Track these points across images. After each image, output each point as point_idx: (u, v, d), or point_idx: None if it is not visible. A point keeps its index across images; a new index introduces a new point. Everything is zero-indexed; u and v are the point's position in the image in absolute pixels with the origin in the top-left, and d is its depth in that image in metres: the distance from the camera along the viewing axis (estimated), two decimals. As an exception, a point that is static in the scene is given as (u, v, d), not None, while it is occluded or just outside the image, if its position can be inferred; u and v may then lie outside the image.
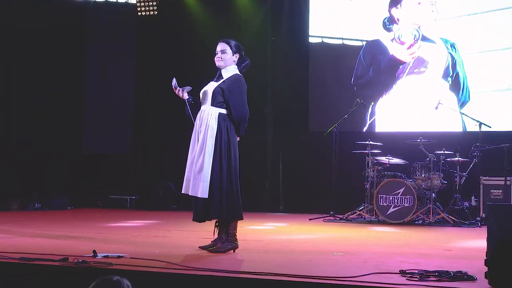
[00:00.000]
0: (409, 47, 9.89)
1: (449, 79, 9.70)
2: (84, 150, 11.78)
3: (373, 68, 10.22)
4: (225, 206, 4.99)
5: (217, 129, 5.05)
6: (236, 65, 5.27)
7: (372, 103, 10.10)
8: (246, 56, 5.34)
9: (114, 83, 11.78)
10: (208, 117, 5.08)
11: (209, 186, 4.96)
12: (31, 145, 10.93)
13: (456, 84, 9.67)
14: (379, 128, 10.13)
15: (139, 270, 4.00)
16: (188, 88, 5.24)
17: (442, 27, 9.83)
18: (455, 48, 9.70)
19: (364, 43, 10.35)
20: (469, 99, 9.60)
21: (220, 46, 5.25)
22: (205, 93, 5.19)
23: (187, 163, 5.13)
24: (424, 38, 9.86)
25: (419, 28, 9.86)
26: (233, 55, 5.24)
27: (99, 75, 11.88)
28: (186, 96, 5.23)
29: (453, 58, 9.71)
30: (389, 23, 10.09)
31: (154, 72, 11.39)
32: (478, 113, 9.02)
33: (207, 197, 4.95)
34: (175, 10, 11.44)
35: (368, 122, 10.12)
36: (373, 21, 10.25)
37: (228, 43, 5.25)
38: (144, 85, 11.62)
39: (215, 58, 5.25)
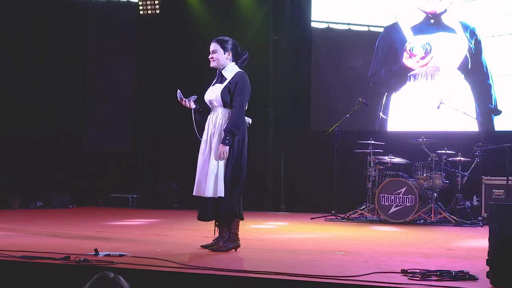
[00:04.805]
0: (420, 59, 9.89)
1: (471, 71, 9.66)
2: (85, 148, 11.78)
3: (385, 70, 10.19)
4: (236, 206, 5.00)
5: None
6: (233, 61, 5.19)
7: (385, 98, 10.09)
8: (243, 51, 5.23)
9: (115, 81, 11.78)
10: (223, 120, 5.03)
11: (225, 185, 4.95)
12: (33, 143, 10.93)
13: (476, 73, 9.65)
14: (394, 128, 10.09)
15: (141, 269, 4.00)
16: (194, 97, 5.18)
17: (461, 10, 9.78)
18: (475, 33, 9.66)
19: (371, 30, 10.35)
20: (492, 87, 9.59)
21: (212, 46, 5.16)
22: (212, 96, 5.10)
23: (198, 165, 5.08)
24: (444, 27, 9.84)
25: (429, 42, 9.85)
26: (224, 53, 5.12)
27: (100, 73, 11.87)
28: (193, 105, 5.18)
29: (472, 47, 9.68)
30: None
31: (155, 70, 11.38)
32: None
33: (223, 195, 4.93)
34: (177, 9, 11.44)
35: (380, 116, 10.08)
36: (379, 10, 10.30)
37: (219, 42, 5.15)
38: (145, 83, 11.62)
39: (209, 57, 5.20)
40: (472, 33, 9.71)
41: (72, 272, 4.02)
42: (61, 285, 3.99)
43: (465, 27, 9.75)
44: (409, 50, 9.97)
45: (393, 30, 10.22)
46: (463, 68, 9.69)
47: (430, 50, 9.81)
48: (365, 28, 10.48)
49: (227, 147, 4.94)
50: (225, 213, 5.00)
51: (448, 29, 9.83)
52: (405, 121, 10.06)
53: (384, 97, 10.14)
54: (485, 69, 9.62)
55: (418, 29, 9.99)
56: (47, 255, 4.38)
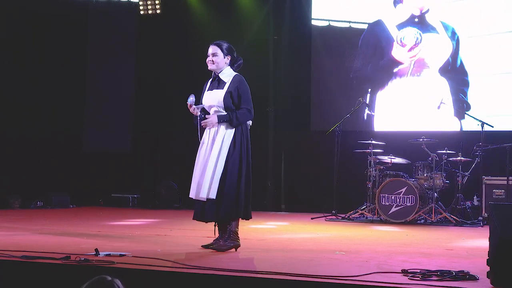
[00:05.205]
0: (410, 50, 9.92)
1: (450, 70, 9.74)
2: (85, 148, 11.79)
3: (371, 65, 10.24)
4: (241, 206, 5.01)
5: (236, 132, 5.05)
6: (229, 65, 5.24)
7: (369, 94, 10.13)
8: (238, 56, 5.31)
9: (115, 81, 11.78)
10: (226, 124, 5.06)
11: (224, 186, 4.95)
12: (33, 143, 10.93)
13: (455, 72, 9.73)
14: (381, 127, 10.11)
15: (141, 269, 4.00)
16: (201, 105, 5.24)
17: (443, 11, 9.87)
18: (455, 34, 9.73)
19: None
20: (469, 84, 9.67)
21: (211, 49, 5.21)
22: (214, 101, 5.12)
23: (197, 167, 5.09)
24: (428, 27, 9.88)
25: (421, 32, 9.89)
26: (224, 57, 5.18)
27: (100, 73, 11.87)
28: (199, 113, 5.22)
29: (453, 47, 9.74)
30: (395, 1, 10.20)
31: (155, 70, 11.38)
32: (480, 98, 9.34)
33: (214, 197, 4.94)
34: (177, 9, 11.44)
35: (366, 112, 10.10)
36: (377, 7, 10.34)
37: (219, 46, 5.20)
38: (145, 83, 11.62)
39: (207, 60, 5.21)
40: (453, 33, 9.79)
41: (73, 272, 4.02)
42: (61, 285, 3.99)
43: (446, 27, 9.83)
44: (400, 39, 10.00)
45: (377, 28, 10.26)
46: (446, 67, 9.76)
47: (421, 40, 9.86)
48: (366, 26, 10.47)
49: (216, 123, 5.06)
50: (226, 214, 5.00)
51: (432, 29, 9.91)
52: (390, 118, 10.10)
53: (369, 94, 10.17)
54: (463, 67, 9.71)
55: (404, 27, 10.04)
56: (47, 255, 4.38)
